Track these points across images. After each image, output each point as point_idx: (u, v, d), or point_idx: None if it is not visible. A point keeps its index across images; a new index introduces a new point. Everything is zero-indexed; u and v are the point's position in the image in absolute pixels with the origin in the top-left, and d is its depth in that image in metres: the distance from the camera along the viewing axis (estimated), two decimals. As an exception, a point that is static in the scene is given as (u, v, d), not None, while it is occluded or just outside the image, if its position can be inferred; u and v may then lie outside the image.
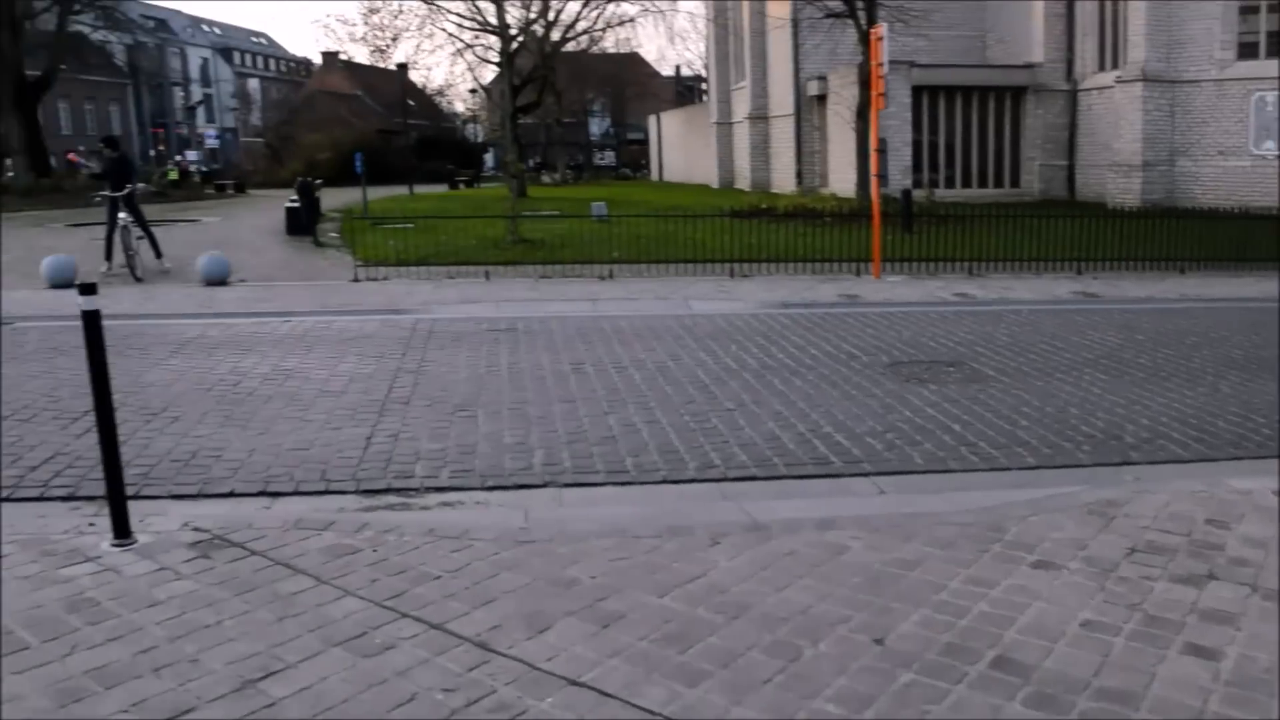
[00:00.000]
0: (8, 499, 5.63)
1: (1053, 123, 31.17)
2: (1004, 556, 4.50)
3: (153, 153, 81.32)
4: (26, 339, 10.23)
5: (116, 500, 4.82)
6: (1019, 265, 15.73)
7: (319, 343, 9.89)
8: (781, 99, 37.04)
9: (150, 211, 30.68)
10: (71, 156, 43.88)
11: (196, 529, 4.91)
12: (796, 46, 33.85)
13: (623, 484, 5.89)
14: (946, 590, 4.15)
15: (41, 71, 39.95)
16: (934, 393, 7.94)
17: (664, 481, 5.92)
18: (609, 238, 16.72)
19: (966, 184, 31.52)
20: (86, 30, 50.40)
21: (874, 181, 15.15)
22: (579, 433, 6.80)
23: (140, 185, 15.62)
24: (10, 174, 38.82)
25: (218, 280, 13.93)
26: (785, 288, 13.73)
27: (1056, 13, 30.34)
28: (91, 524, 5.05)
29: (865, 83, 22.99)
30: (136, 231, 15.31)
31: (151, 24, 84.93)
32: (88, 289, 4.79)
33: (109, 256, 15.41)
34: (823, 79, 33.34)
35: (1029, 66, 31.07)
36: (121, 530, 4.79)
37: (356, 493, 5.68)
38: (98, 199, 15.77)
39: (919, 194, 23.58)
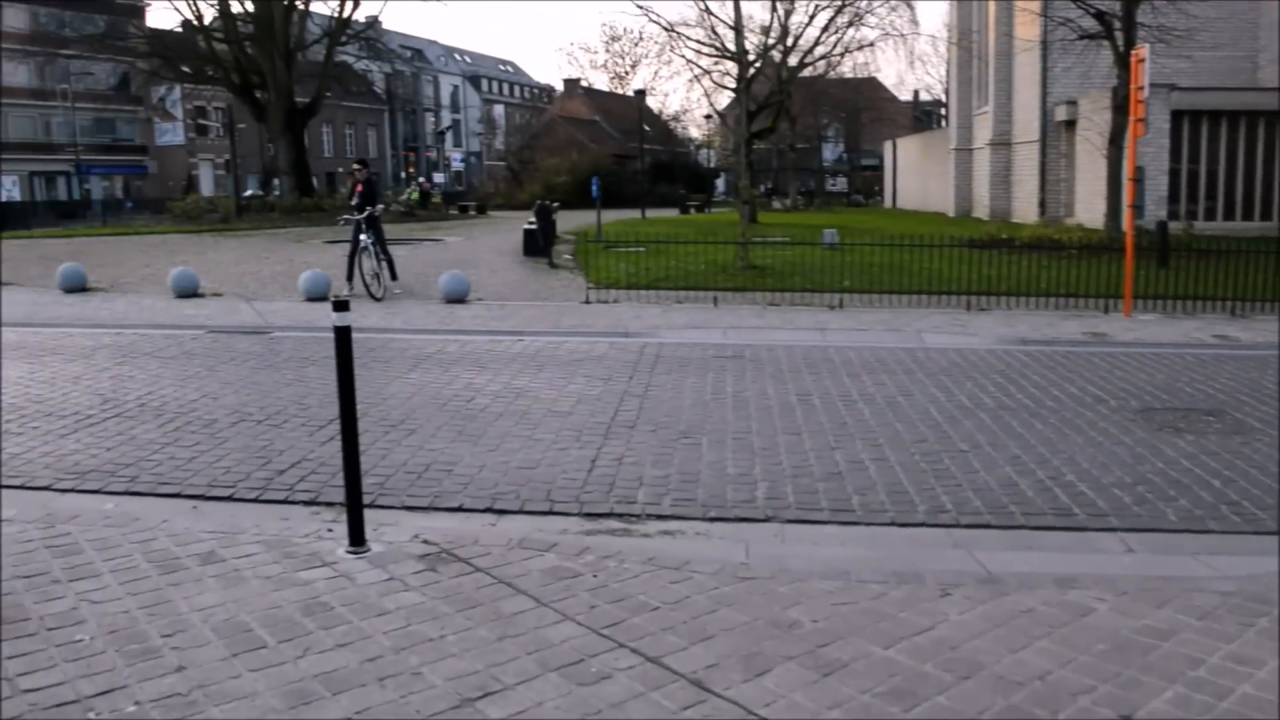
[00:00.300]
0: (258, 499, 5.98)
1: (1330, 150, 28.62)
2: (1271, 633, 4.05)
3: (403, 174, 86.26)
4: (282, 347, 10.93)
5: (354, 509, 5.02)
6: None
7: (549, 363, 10.11)
8: (1026, 124, 35.62)
9: (397, 230, 32.52)
10: (424, 184, 47.17)
11: (426, 541, 5.05)
12: (1045, 70, 32.50)
13: (848, 523, 5.68)
14: (1205, 666, 3.77)
15: (309, 98, 43.04)
16: (1191, 444, 7.32)
17: (891, 524, 5.68)
18: (839, 266, 16.44)
19: (1229, 216, 29.30)
20: (351, 60, 54.01)
21: (1128, 212, 14.25)
22: (804, 467, 6.63)
23: (380, 207, 15.89)
24: (277, 192, 41.98)
25: (457, 298, 14.51)
26: (1025, 323, 13.08)
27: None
28: (330, 529, 5.27)
29: (1120, 107, 21.80)
30: (377, 252, 15.38)
31: (409, 54, 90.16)
32: (341, 305, 5.02)
33: (350, 277, 15.58)
34: (1072, 103, 31.82)
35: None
36: (357, 538, 4.98)
37: (580, 515, 5.71)
38: (342, 220, 16.24)
39: (1176, 226, 22.04)
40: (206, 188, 67.40)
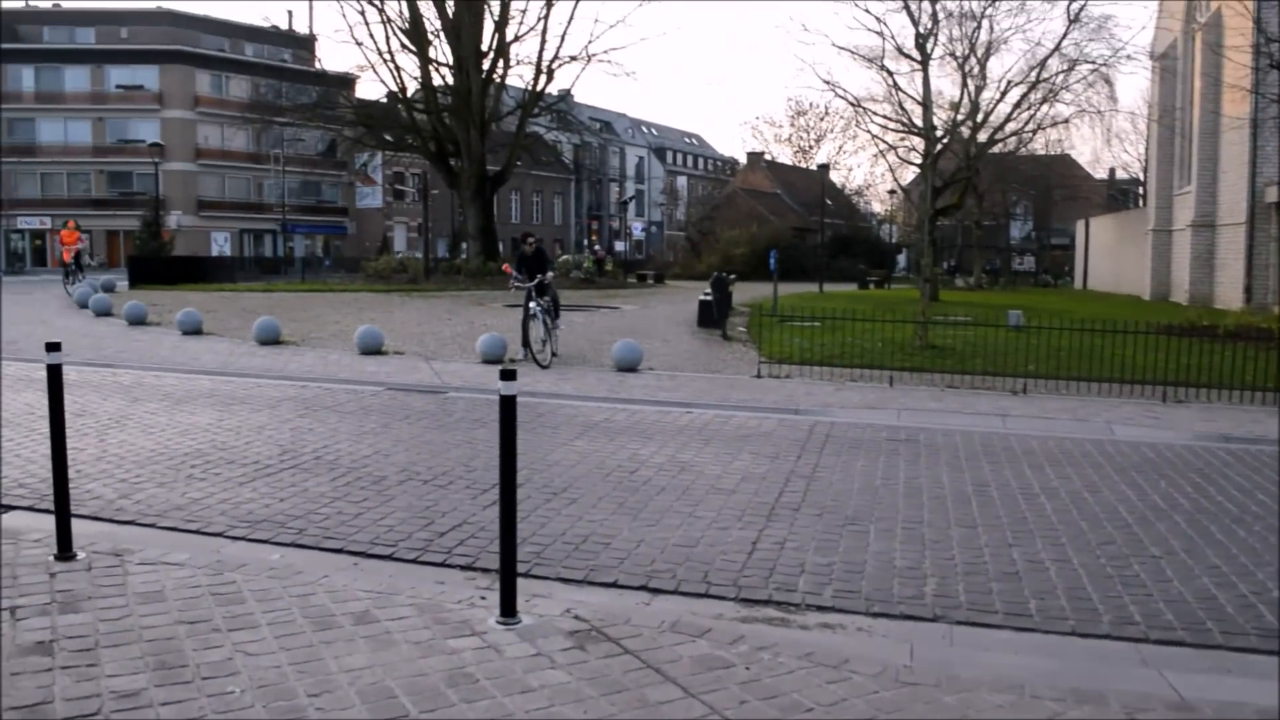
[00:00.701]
0: (417, 560, 6.01)
1: None
2: None
3: (585, 242, 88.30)
4: (455, 408, 11.14)
5: (507, 580, 4.95)
6: None
7: (715, 437, 9.95)
8: (1232, 205, 33.75)
9: (575, 297, 33.19)
10: (599, 252, 48.64)
11: (577, 617, 4.94)
12: (1254, 149, 30.77)
13: (1023, 630, 5.28)
14: None
15: (500, 167, 44.64)
16: None
17: (1072, 633, 5.25)
18: (1024, 349, 15.77)
19: None
20: (541, 130, 55.87)
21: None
22: (977, 564, 6.25)
23: (550, 274, 15.84)
24: (464, 255, 43.49)
25: (629, 367, 14.56)
26: (1227, 418, 12.19)
27: None
28: (483, 597, 5.22)
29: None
30: (545, 320, 15.17)
31: (598, 125, 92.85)
32: (508, 375, 5.01)
33: (525, 343, 15.22)
34: (1284, 185, 30.01)
35: None
36: (508, 608, 4.91)
37: (736, 600, 5.51)
38: (513, 285, 16.04)
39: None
40: (400, 249, 70.56)
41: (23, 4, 73.55)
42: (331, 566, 5.83)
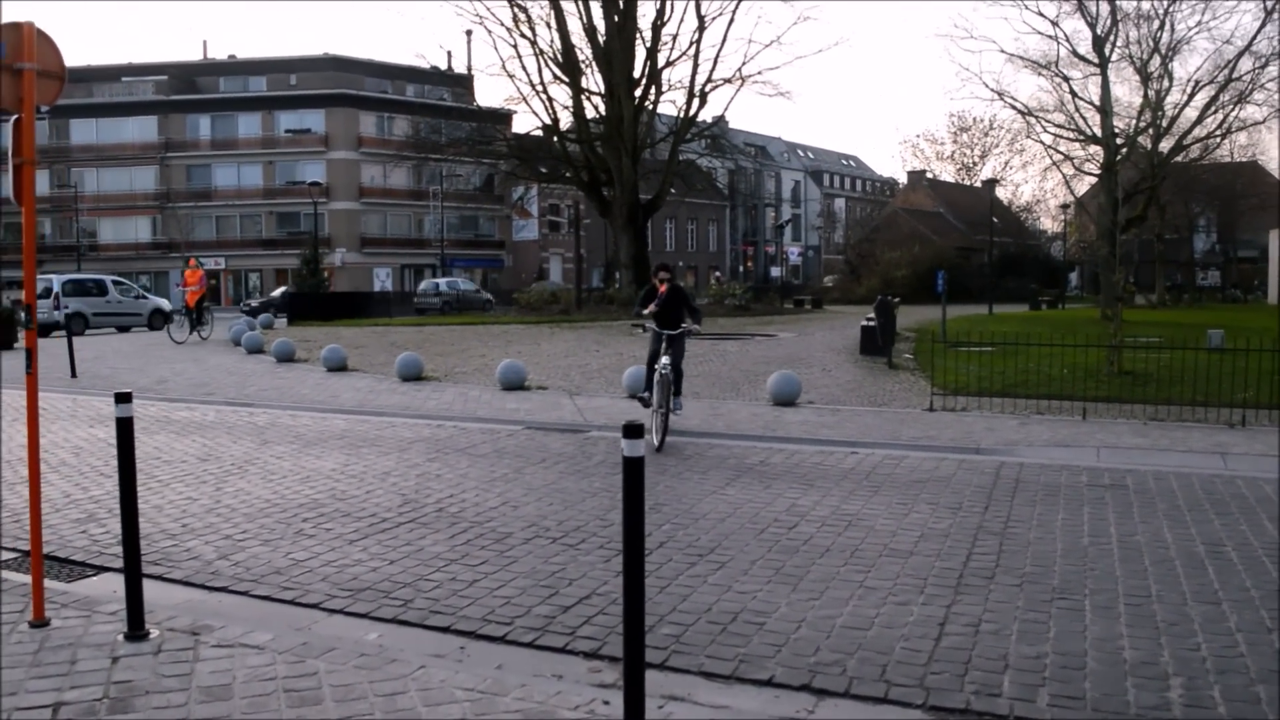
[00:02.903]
0: (533, 644, 5.06)
1: None
2: None
3: (740, 269, 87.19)
4: (595, 450, 10.22)
5: (633, 685, 3.93)
6: None
7: (886, 483, 8.72)
8: None
9: (729, 324, 32.10)
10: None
11: (722, 735, 3.88)
12: None
13: (1318, 758, 3.97)
14: None
15: (652, 194, 44.05)
16: None
17: (1389, 766, 3.90)
18: (1231, 373, 13.93)
19: None
20: (695, 157, 55.13)
21: None
22: (1232, 656, 4.91)
23: (692, 326, 11.03)
24: (617, 285, 43.00)
25: (786, 401, 13.40)
26: None
27: None
28: (606, 702, 4.23)
29: None
30: (669, 378, 10.58)
31: (752, 151, 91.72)
32: (633, 431, 4.00)
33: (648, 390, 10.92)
34: None
35: None
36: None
37: (924, 708, 4.34)
38: (639, 327, 12.11)
39: None
40: (555, 279, 70.91)
41: (201, 58, 77.33)
42: (433, 650, 4.93)
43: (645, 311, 11.05)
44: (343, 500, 7.99)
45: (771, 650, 4.95)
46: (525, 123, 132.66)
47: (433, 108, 64.82)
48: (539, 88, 42.28)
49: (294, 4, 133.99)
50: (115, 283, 34.88)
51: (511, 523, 7.29)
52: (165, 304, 36.18)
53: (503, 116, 51.97)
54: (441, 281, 50.54)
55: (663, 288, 10.85)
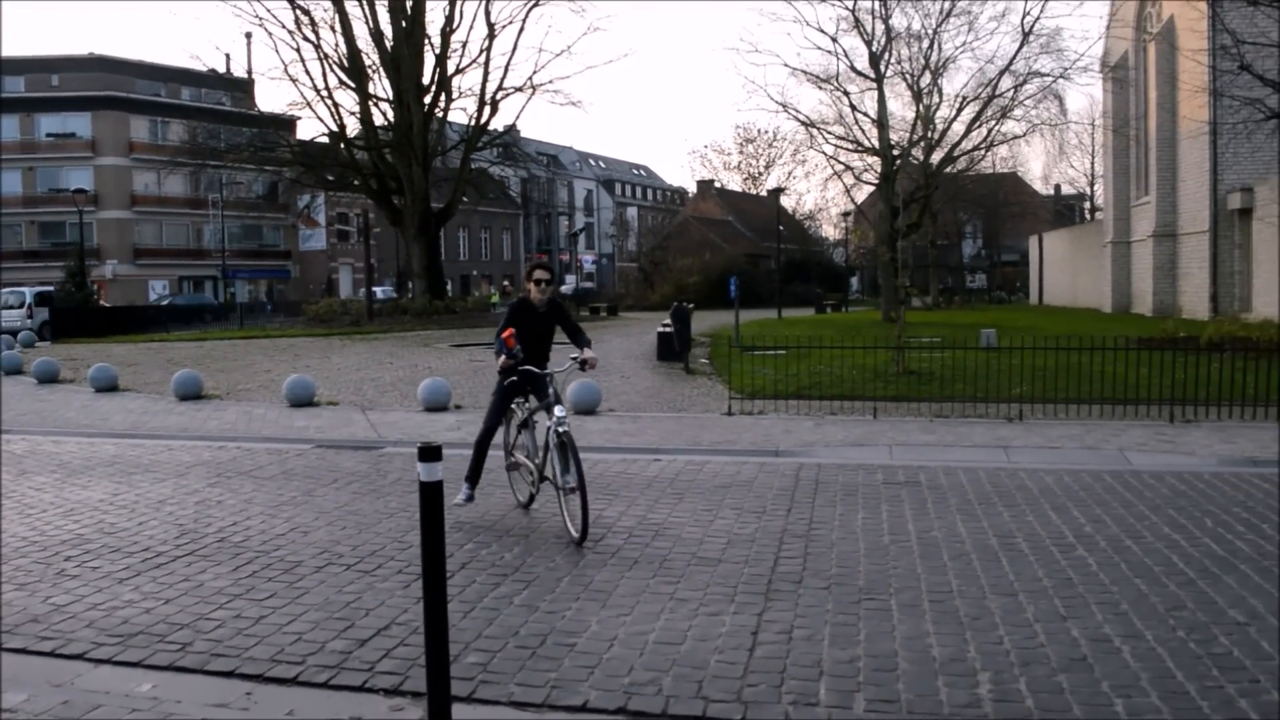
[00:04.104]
0: (328, 684, 4.67)
1: None
2: None
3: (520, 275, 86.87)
4: (391, 467, 9.78)
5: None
6: None
7: (690, 490, 8.67)
8: (1194, 214, 33.22)
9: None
10: (506, 286, 46.78)
11: (536, 770, 3.64)
12: (1214, 156, 30.22)
13: (1120, 746, 4.05)
14: None
15: (444, 203, 43.29)
16: None
17: (1184, 749, 4.02)
18: (1005, 370, 14.67)
19: None
20: (487, 165, 54.57)
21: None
22: (1032, 648, 5.01)
23: (588, 353, 7.67)
24: (410, 295, 42.06)
25: (586, 409, 13.24)
26: (1246, 438, 11.12)
27: None
28: (410, 745, 3.91)
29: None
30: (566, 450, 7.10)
31: (545, 160, 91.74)
32: (430, 454, 3.72)
33: (476, 470, 7.80)
34: (1248, 190, 29.43)
35: None
36: (442, 769, 3.60)
37: (743, 724, 4.22)
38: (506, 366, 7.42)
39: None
40: (345, 290, 68.81)
41: (-53, 54, 71.28)
42: (215, 699, 4.48)
43: (511, 352, 7.14)
44: (111, 534, 7.30)
45: (584, 673, 4.73)
46: (310, 129, 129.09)
47: (211, 112, 61.81)
48: (324, 93, 41.06)
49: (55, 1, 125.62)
50: None
51: (301, 550, 6.82)
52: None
53: (286, 122, 50.04)
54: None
55: (536, 294, 7.46)
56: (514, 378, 7.47)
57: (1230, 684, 4.57)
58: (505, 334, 7.19)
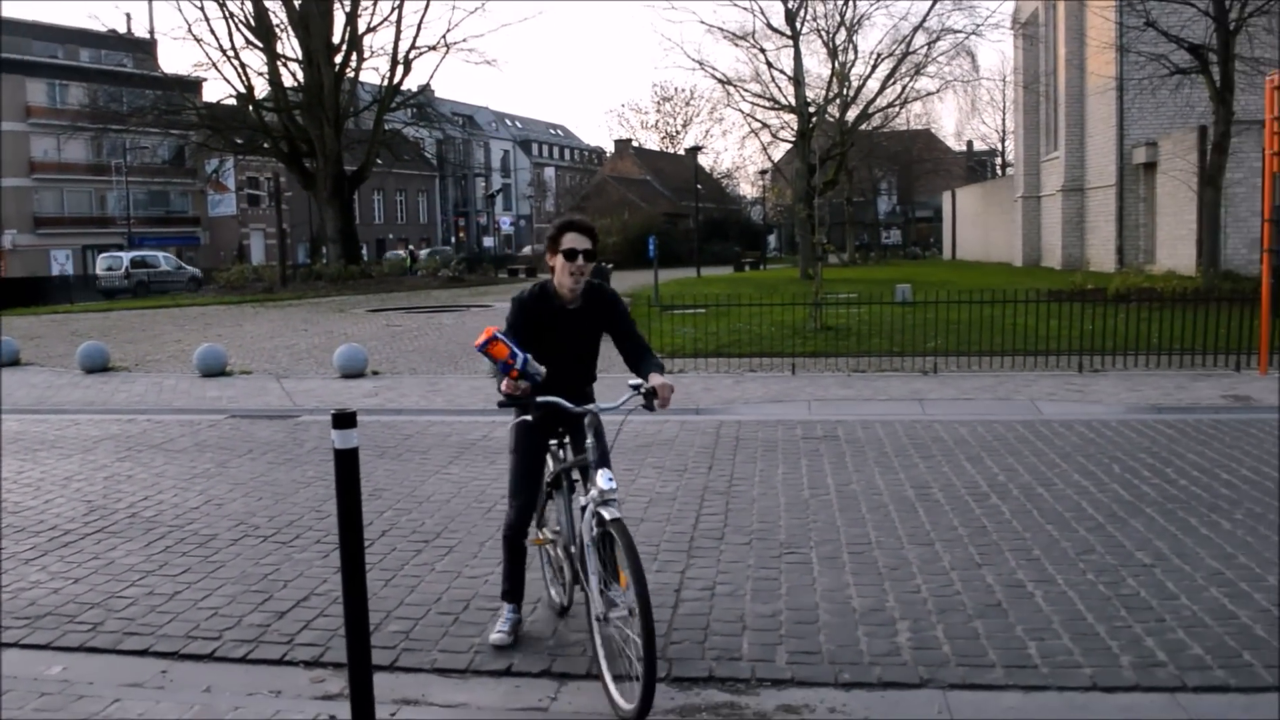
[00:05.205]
0: (246, 659, 4.59)
1: None
2: None
3: (453, 239, 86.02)
4: (308, 435, 9.62)
5: (361, 690, 3.61)
6: None
7: (611, 450, 8.65)
8: (1101, 168, 33.97)
9: (445, 296, 31.53)
10: (413, 250, 45.73)
11: (461, 737, 3.62)
12: (1121, 111, 30.90)
13: (1033, 688, 4.15)
14: None
15: (358, 165, 42.48)
16: None
17: (1093, 688, 4.14)
18: (920, 324, 14.92)
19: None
20: (401, 127, 53.60)
21: (1265, 258, 12.61)
22: (949, 596, 5.12)
23: (665, 381, 4.43)
24: (324, 261, 41.31)
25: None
26: (1151, 386, 11.46)
27: None
28: (333, 716, 3.87)
29: (1219, 145, 20.21)
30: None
31: (460, 120, 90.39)
32: (344, 421, 3.64)
33: (516, 566, 4.93)
34: (1152, 145, 30.18)
35: None
36: (365, 739, 3.56)
37: (668, 681, 4.23)
38: (509, 390, 4.40)
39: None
40: (257, 257, 67.36)
41: None
42: (129, 679, 4.38)
43: (517, 366, 4.15)
44: (16, 513, 7.08)
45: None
46: (218, 90, 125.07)
47: (112, 74, 59.71)
48: (230, 54, 39.73)
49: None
50: None
51: (216, 523, 6.68)
52: None
53: (192, 84, 48.54)
54: (125, 256, 46.46)
55: (566, 278, 4.51)
56: (528, 416, 4.45)
57: (1138, 624, 4.72)
58: (485, 336, 4.08)
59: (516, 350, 4.11)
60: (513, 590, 4.75)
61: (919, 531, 6.19)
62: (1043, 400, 10.72)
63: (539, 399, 4.27)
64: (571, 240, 4.46)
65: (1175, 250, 28.57)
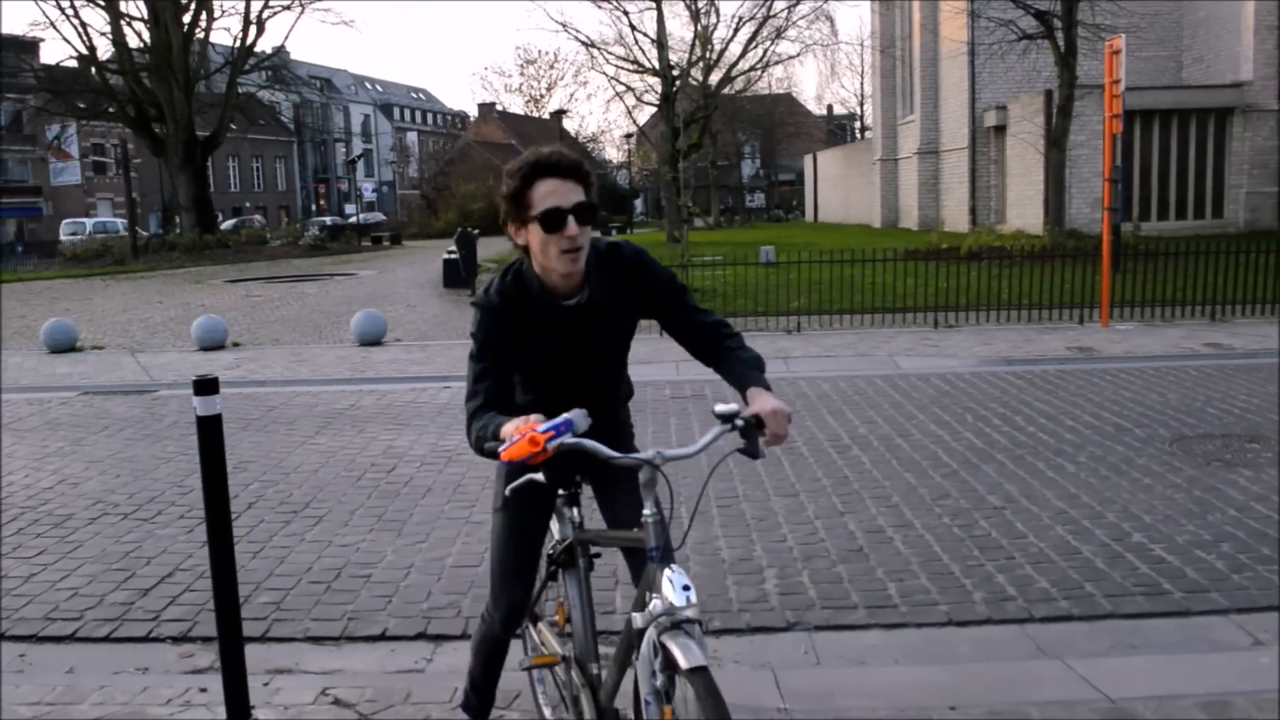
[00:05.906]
0: (109, 637, 4.48)
1: (1262, 146, 28.30)
2: None
3: (314, 207, 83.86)
4: (166, 410, 9.34)
5: (232, 664, 3.57)
6: (1264, 309, 13.45)
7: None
8: (954, 131, 35.05)
9: (307, 265, 30.80)
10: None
11: (337, 701, 3.63)
12: (972, 75, 31.90)
13: (893, 626, 4.37)
14: None
15: (211, 130, 41.01)
16: (1251, 480, 6.17)
17: (949, 623, 4.37)
18: (784, 284, 15.24)
19: (1163, 215, 28.75)
20: (255, 90, 51.91)
21: (1105, 216, 13.25)
22: (814, 543, 5.31)
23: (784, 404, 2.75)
24: (178, 230, 39.85)
25: (373, 340, 12.97)
26: (1002, 340, 11.98)
27: (1269, 25, 27.62)
28: (203, 689, 3.82)
29: (1064, 109, 21.07)
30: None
31: (317, 83, 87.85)
32: (206, 387, 3.58)
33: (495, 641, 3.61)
34: (1001, 108, 31.28)
35: (1236, 86, 28.34)
36: (238, 710, 3.53)
37: (542, 638, 4.30)
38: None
39: (1126, 228, 21.19)
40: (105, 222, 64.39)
41: None
42: (-15, 663, 4.23)
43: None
44: None
45: (382, 602, 4.72)
46: (57, 51, 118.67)
47: (-64, 36, 56.02)
48: (69, 12, 37.78)
49: None
50: None
51: (72, 503, 6.46)
52: None
53: (28, 45, 46.13)
54: None
55: (562, 266, 2.67)
56: (533, 475, 2.68)
57: (989, 562, 4.98)
58: (525, 445, 2.34)
59: (558, 425, 2.40)
60: (480, 703, 3.30)
61: (784, 484, 6.38)
62: (900, 355, 11.10)
63: (551, 445, 2.37)
64: (549, 193, 2.62)
65: (1024, 210, 29.72)
